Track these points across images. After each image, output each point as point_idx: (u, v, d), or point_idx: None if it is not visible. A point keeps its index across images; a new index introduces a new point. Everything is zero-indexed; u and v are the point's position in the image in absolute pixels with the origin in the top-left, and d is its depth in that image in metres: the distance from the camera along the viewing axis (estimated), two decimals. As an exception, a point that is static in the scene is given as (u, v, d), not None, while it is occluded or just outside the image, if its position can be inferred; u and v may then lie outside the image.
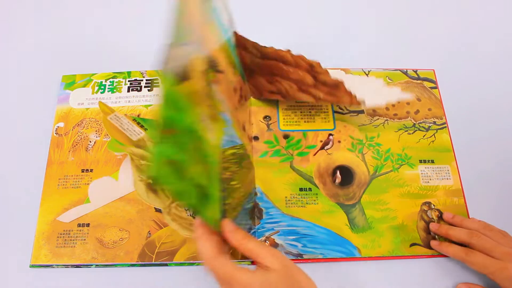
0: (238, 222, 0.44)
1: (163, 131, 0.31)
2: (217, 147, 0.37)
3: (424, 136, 0.56)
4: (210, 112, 0.36)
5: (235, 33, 0.50)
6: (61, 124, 0.57)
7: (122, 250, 0.49)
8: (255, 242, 0.37)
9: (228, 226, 0.38)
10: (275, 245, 0.49)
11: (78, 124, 0.57)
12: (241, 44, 0.51)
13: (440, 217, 0.52)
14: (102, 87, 0.59)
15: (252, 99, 0.57)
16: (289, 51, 0.51)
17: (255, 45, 0.51)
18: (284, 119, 0.57)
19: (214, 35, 0.41)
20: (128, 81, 0.60)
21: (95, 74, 0.60)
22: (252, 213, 0.50)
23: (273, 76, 0.53)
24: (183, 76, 0.32)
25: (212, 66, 0.39)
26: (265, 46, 0.51)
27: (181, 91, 0.32)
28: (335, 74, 0.60)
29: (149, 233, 0.50)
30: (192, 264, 0.48)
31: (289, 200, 0.52)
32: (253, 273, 0.36)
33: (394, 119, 0.58)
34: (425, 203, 0.52)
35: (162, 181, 0.30)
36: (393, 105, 0.58)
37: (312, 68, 0.50)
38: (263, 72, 0.54)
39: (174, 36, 0.32)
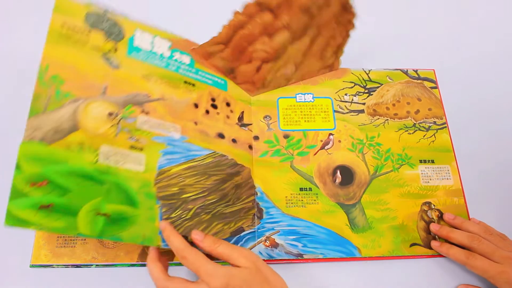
0: (214, 226, 0.47)
1: (32, 185, 0.38)
2: (149, 171, 0.44)
3: (424, 136, 0.57)
4: (132, 144, 0.44)
5: (192, 51, 0.52)
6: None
7: (122, 250, 0.49)
8: (224, 245, 0.42)
9: (197, 236, 0.43)
10: (275, 245, 0.49)
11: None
12: (203, 55, 0.53)
13: (440, 217, 0.52)
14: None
15: (251, 99, 0.57)
16: (236, 12, 0.51)
17: (212, 42, 0.52)
18: (284, 118, 0.57)
19: (137, 72, 0.48)
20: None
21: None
22: (246, 214, 0.50)
23: (245, 51, 0.53)
24: (69, 130, 0.41)
25: (133, 102, 0.47)
26: (219, 33, 0.51)
27: (59, 146, 0.40)
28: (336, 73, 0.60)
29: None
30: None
31: (289, 200, 0.52)
32: (220, 265, 0.39)
33: (394, 119, 0.58)
34: (425, 203, 0.52)
35: (30, 226, 0.37)
36: (394, 105, 0.58)
37: (261, 4, 0.50)
38: (236, 57, 0.54)
39: (43, 105, 0.41)
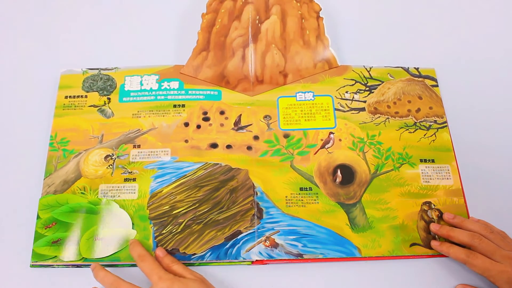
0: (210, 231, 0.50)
1: (45, 228, 0.49)
2: (142, 196, 0.51)
3: (425, 135, 0.56)
4: (125, 176, 0.52)
5: (180, 75, 0.58)
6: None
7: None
8: (180, 265, 0.47)
9: (159, 252, 0.48)
10: (275, 245, 0.49)
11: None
12: (192, 72, 0.58)
13: (440, 217, 0.51)
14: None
15: (251, 99, 0.57)
16: (203, 14, 0.58)
17: (195, 54, 0.57)
18: (284, 118, 0.56)
19: (128, 113, 0.56)
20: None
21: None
22: (243, 216, 0.50)
23: (225, 46, 0.58)
24: (74, 179, 0.52)
25: (125, 141, 0.54)
26: (197, 42, 0.58)
27: (66, 193, 0.51)
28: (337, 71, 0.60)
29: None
30: (192, 264, 0.49)
31: (289, 199, 0.52)
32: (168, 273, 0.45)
33: (395, 117, 0.57)
34: (425, 203, 0.52)
35: (48, 260, 0.48)
36: (395, 103, 0.58)
37: None
38: (220, 57, 0.57)
39: (54, 166, 0.52)
